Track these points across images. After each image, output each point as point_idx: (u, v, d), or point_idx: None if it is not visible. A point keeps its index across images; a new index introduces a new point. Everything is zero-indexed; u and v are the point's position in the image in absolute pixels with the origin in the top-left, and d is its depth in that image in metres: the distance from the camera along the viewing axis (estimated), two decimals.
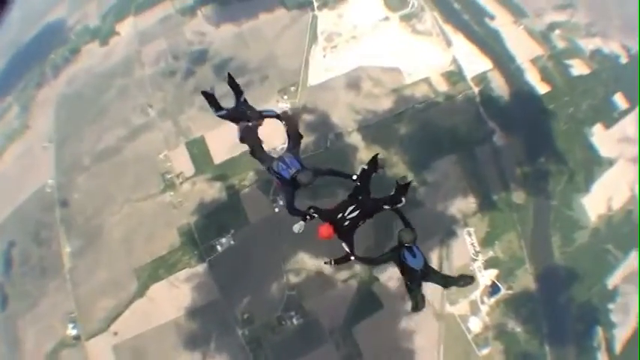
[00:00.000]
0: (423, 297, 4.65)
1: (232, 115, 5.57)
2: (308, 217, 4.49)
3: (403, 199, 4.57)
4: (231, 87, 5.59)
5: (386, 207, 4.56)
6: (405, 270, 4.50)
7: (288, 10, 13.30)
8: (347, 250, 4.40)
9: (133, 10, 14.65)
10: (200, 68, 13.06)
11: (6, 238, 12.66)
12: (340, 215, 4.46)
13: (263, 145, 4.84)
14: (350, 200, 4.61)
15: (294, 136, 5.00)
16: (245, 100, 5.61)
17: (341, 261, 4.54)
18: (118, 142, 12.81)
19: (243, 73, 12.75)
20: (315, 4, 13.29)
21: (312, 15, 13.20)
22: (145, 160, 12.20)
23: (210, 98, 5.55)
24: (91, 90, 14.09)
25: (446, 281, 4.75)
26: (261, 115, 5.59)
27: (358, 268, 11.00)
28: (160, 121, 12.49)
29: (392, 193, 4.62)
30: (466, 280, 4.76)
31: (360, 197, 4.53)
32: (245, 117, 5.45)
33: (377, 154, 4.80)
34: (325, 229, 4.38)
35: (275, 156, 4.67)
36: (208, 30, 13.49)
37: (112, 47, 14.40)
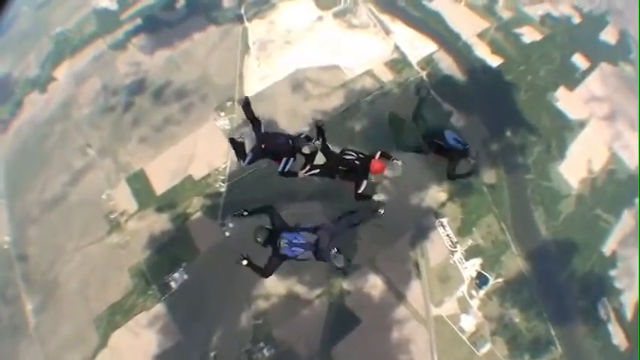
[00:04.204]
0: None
1: (267, 153, 4.85)
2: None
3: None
4: (247, 116, 4.83)
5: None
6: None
7: (218, 26, 12.94)
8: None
9: (68, 54, 14.36)
10: (139, 99, 12.54)
11: None
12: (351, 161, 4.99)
13: None
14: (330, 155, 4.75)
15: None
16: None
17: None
18: (62, 189, 12.18)
19: (182, 97, 12.27)
20: (245, 16, 12.94)
21: (242, 27, 12.81)
22: (89, 203, 11.50)
23: (238, 147, 4.88)
24: (34, 140, 13.59)
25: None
26: (307, 138, 4.89)
27: (326, 283, 10.07)
28: (99, 160, 11.86)
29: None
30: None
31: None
32: (284, 147, 4.69)
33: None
34: (379, 165, 4.81)
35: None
36: (143, 59, 13.08)
37: (50, 94, 14.01)
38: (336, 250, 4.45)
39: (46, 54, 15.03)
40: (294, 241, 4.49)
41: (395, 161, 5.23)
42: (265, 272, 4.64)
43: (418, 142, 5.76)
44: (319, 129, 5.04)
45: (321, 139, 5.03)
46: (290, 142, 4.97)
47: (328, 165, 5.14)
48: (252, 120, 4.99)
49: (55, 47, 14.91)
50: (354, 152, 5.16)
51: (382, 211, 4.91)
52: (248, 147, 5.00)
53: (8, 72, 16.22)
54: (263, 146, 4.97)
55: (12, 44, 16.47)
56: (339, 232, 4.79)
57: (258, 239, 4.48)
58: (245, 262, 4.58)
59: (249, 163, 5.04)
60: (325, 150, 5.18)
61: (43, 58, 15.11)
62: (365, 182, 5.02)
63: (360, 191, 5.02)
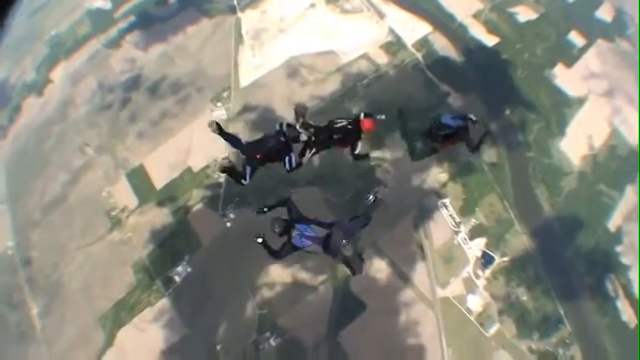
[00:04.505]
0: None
1: (264, 161, 4.91)
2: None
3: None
4: (223, 137, 4.90)
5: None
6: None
7: (210, 19, 12.93)
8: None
9: (63, 56, 14.37)
10: (134, 94, 12.54)
11: None
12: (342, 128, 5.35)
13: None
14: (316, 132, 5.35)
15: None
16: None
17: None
18: (62, 189, 12.18)
19: (177, 90, 12.27)
20: (238, 7, 12.94)
21: (235, 18, 12.80)
22: (89, 202, 11.48)
23: (231, 170, 4.91)
24: (33, 143, 13.61)
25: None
26: (289, 125, 5.01)
27: (330, 269, 10.01)
28: (98, 157, 11.86)
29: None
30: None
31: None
32: (279, 146, 4.77)
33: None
34: (369, 122, 5.33)
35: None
36: (137, 56, 13.08)
37: (47, 97, 14.03)
38: (345, 241, 4.53)
39: (42, 58, 15.04)
40: (305, 233, 4.56)
41: (378, 116, 5.54)
42: (277, 255, 4.71)
43: (429, 145, 6.03)
44: (296, 112, 5.18)
45: (301, 120, 5.10)
46: (282, 139, 4.95)
47: (320, 139, 5.26)
48: (229, 138, 4.95)
49: (50, 50, 14.91)
50: (342, 119, 5.37)
51: (371, 198, 5.01)
52: (238, 163, 4.96)
53: (5, 78, 16.23)
54: (258, 157, 4.94)
55: (8, 51, 16.50)
56: (354, 230, 4.87)
57: (276, 230, 4.50)
58: (260, 240, 4.60)
59: (251, 178, 5.01)
60: (312, 128, 5.31)
61: (38, 62, 15.10)
62: (360, 143, 5.21)
63: (357, 152, 5.24)
